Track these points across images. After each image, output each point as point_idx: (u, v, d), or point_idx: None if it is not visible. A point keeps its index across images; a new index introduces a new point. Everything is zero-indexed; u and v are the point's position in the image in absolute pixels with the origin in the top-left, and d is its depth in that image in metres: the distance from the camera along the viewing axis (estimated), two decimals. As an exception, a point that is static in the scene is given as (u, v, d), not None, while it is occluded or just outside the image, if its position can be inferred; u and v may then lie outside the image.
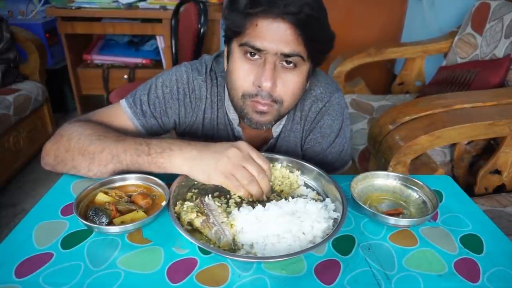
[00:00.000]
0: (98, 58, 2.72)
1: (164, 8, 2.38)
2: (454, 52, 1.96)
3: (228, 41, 0.79)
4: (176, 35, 2.21)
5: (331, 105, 0.92)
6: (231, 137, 0.92)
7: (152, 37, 2.75)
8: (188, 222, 0.65)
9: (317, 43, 0.73)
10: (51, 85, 2.52)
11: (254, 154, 0.69)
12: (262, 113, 0.77)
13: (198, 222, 0.64)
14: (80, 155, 0.73)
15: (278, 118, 0.81)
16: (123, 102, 0.86)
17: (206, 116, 0.90)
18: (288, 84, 0.75)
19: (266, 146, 0.94)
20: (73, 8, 2.36)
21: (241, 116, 0.81)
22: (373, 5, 2.70)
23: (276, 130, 0.91)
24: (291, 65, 0.74)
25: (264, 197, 0.71)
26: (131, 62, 2.72)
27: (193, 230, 0.65)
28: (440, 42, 2.07)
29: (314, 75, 0.92)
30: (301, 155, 0.97)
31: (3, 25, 2.14)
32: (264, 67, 0.72)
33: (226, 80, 0.83)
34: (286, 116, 0.91)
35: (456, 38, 1.97)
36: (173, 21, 2.18)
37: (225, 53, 0.82)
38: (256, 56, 0.74)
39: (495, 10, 1.75)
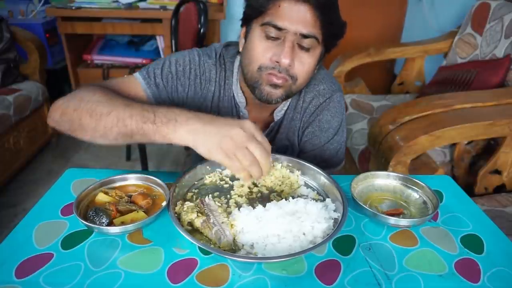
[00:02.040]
0: (98, 58, 2.71)
1: (164, 8, 2.38)
2: (454, 52, 1.96)
3: (247, 22, 0.84)
4: (176, 35, 2.21)
5: (332, 102, 0.95)
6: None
7: (152, 37, 2.75)
8: (188, 222, 0.65)
9: (332, 27, 0.79)
10: (51, 85, 2.52)
11: (258, 135, 0.68)
12: (276, 86, 0.81)
13: (198, 222, 0.64)
14: (88, 115, 0.71)
15: (288, 95, 0.85)
16: (136, 74, 0.88)
17: (214, 99, 0.93)
18: (304, 63, 0.80)
19: (267, 130, 0.97)
20: (73, 8, 2.35)
21: (253, 88, 0.84)
22: (373, 5, 2.70)
23: (278, 115, 0.94)
24: (306, 47, 0.79)
25: (262, 180, 0.71)
26: (131, 62, 2.72)
27: (193, 230, 0.65)
28: (440, 42, 2.07)
29: (320, 72, 0.96)
30: (298, 146, 1.00)
31: (3, 25, 2.13)
32: (284, 45, 0.77)
33: (241, 58, 0.87)
34: (289, 102, 0.95)
35: (456, 38, 1.97)
36: (173, 21, 2.17)
37: (242, 33, 0.87)
38: (276, 37, 0.78)
39: (495, 10, 1.75)
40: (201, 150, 0.66)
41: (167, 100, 0.89)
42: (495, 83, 1.57)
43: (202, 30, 1.98)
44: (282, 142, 0.99)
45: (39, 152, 2.42)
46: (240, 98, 0.92)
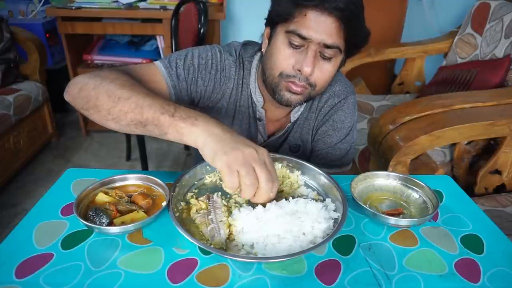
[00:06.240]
0: (98, 58, 2.71)
1: (164, 8, 2.38)
2: (454, 52, 1.96)
3: (271, 25, 0.84)
4: (176, 35, 2.21)
5: (346, 103, 0.98)
6: (251, 119, 0.97)
7: (152, 37, 2.74)
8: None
9: (355, 38, 0.80)
10: (51, 85, 2.52)
11: (269, 163, 0.65)
12: (295, 93, 0.83)
13: (197, 215, 0.65)
14: (106, 95, 0.69)
15: (306, 100, 0.87)
16: (157, 62, 0.87)
17: (231, 97, 0.94)
18: (324, 72, 0.82)
19: (283, 130, 0.98)
20: (73, 8, 2.35)
21: (273, 92, 0.86)
22: (373, 5, 2.69)
23: (294, 115, 0.96)
24: (328, 57, 0.80)
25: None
26: (131, 62, 2.71)
27: (193, 230, 0.65)
28: (440, 42, 2.07)
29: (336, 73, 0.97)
30: (311, 145, 1.01)
31: (3, 25, 2.14)
32: (307, 54, 0.78)
33: (263, 61, 0.88)
34: (305, 104, 0.96)
35: (456, 38, 1.97)
36: (173, 21, 2.17)
37: (265, 34, 0.87)
38: (299, 45, 0.79)
39: (495, 10, 1.75)
40: (207, 151, 0.63)
41: (185, 93, 0.89)
42: (495, 83, 1.57)
43: (202, 30, 1.98)
44: (295, 141, 1.00)
45: (39, 152, 2.42)
46: (257, 97, 0.93)
